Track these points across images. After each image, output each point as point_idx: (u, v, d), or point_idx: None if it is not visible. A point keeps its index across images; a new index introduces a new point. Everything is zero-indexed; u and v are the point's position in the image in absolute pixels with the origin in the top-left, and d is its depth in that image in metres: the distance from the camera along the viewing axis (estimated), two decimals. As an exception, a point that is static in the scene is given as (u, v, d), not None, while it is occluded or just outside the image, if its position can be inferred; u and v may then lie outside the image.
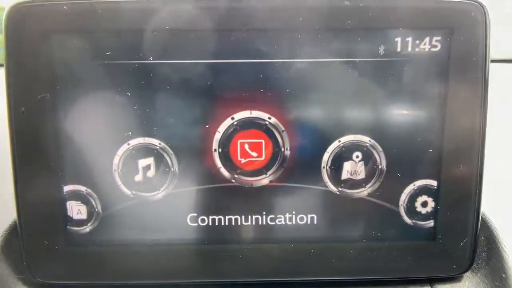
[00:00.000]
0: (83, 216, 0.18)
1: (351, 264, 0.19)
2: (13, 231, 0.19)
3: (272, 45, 0.17)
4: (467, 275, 0.19)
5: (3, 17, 0.17)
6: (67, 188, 0.18)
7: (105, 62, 0.17)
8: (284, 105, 0.17)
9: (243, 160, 0.18)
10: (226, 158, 0.18)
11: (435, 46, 0.17)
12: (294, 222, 0.18)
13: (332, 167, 0.18)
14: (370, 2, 0.16)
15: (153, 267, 0.19)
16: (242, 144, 0.18)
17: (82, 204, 0.18)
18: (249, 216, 0.18)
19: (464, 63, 0.17)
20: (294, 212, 0.18)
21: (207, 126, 0.18)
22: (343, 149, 0.18)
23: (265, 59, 0.17)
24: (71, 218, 0.18)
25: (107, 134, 0.18)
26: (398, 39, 0.17)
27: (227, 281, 0.19)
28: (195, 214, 0.18)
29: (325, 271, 0.19)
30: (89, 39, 0.17)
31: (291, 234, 0.18)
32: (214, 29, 0.16)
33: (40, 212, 0.18)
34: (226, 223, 0.18)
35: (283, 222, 0.18)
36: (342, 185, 0.18)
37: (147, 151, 0.18)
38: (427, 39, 0.17)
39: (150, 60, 0.17)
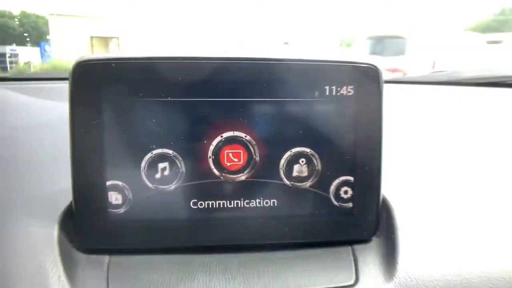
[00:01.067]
0: (119, 202, 0.27)
1: (298, 231, 0.28)
2: (68, 211, 0.28)
3: (246, 93, 0.26)
4: (374, 237, 0.29)
5: (70, 69, 0.25)
6: (108, 183, 0.27)
7: (140, 99, 0.26)
8: (254, 128, 0.27)
9: (228, 164, 0.27)
10: (217, 162, 0.27)
11: (350, 91, 0.27)
12: (262, 205, 0.28)
13: (287, 168, 0.28)
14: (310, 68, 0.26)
15: (166, 236, 0.27)
16: (228, 153, 0.27)
17: (118, 194, 0.27)
18: (232, 201, 0.28)
19: (367, 100, 0.27)
20: (262, 198, 0.28)
21: (205, 142, 0.27)
22: (293, 156, 0.28)
23: (243, 99, 0.26)
24: (111, 203, 0.27)
25: (138, 146, 0.26)
26: (327, 87, 0.27)
27: (216, 245, 0.28)
28: (196, 200, 0.27)
29: (280, 236, 0.28)
30: (129, 84, 0.25)
31: (260, 212, 0.28)
32: (211, 81, 0.26)
33: (89, 199, 0.27)
34: (216, 206, 0.28)
35: (254, 205, 0.28)
36: (293, 180, 0.28)
37: (164, 157, 0.27)
38: (344, 87, 0.27)
39: (171, 98, 0.26)
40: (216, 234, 0.28)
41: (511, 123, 0.48)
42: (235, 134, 0.27)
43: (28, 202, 0.29)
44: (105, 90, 0.25)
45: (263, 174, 0.28)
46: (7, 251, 0.25)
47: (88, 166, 0.26)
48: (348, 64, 0.27)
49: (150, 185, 0.27)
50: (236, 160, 0.27)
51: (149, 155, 0.26)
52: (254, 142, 0.27)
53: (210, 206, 0.28)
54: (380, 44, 5.97)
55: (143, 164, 0.27)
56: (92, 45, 20.37)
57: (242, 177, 0.27)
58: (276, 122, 0.27)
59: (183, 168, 0.27)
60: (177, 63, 0.26)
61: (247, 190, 0.28)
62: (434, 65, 4.03)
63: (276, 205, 0.28)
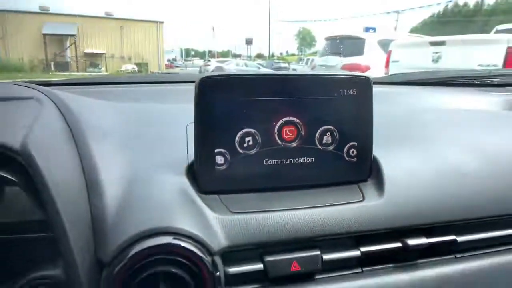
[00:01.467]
0: (223, 162, 0.44)
1: (325, 176, 0.47)
2: (190, 167, 0.44)
3: (296, 94, 0.45)
4: (369, 178, 0.49)
5: (196, 84, 0.42)
6: (216, 150, 0.44)
7: (237, 98, 0.43)
8: (301, 115, 0.45)
9: (286, 137, 0.46)
10: (279, 136, 0.45)
11: (354, 92, 0.47)
12: (304, 161, 0.47)
13: (319, 138, 0.47)
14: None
15: (251, 181, 0.45)
16: (286, 130, 0.46)
17: (222, 156, 0.44)
18: (288, 159, 0.46)
19: (364, 97, 0.47)
20: (305, 156, 0.47)
21: (273, 123, 0.45)
22: (323, 131, 0.47)
23: (295, 98, 0.45)
24: (217, 163, 0.44)
25: (234, 127, 0.44)
26: (341, 90, 0.46)
27: (277, 186, 0.46)
28: (267, 159, 0.46)
29: (314, 178, 0.47)
30: (230, 90, 0.43)
31: (303, 165, 0.47)
32: (278, 88, 0.44)
33: (204, 160, 0.44)
34: (279, 162, 0.46)
35: (300, 161, 0.46)
36: (323, 145, 0.47)
37: (249, 134, 0.44)
38: (351, 90, 0.47)
39: (254, 98, 0.44)
40: (279, 178, 0.46)
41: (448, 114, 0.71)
42: (290, 119, 0.45)
43: (166, 164, 0.45)
44: (216, 94, 0.43)
45: (305, 142, 0.46)
46: (156, 189, 0.41)
47: (205, 140, 0.43)
48: (353, 76, 0.47)
49: (240, 151, 0.45)
50: (290, 134, 0.46)
51: (240, 132, 0.44)
52: (301, 123, 0.46)
53: (275, 163, 0.46)
54: (338, 44, 6.33)
55: (236, 138, 0.44)
56: (45, 43, 19.30)
57: (294, 144, 0.46)
58: (313, 111, 0.46)
59: (259, 140, 0.45)
60: (260, 77, 0.44)
61: (296, 152, 0.46)
62: (388, 64, 4.40)
63: (313, 160, 0.47)
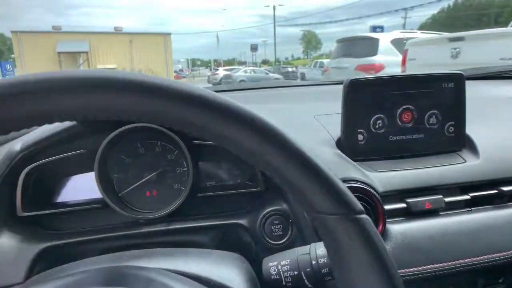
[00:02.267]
0: (362, 139, 0.62)
1: (435, 147, 0.64)
2: (337, 143, 0.62)
3: (413, 87, 0.62)
4: (463, 149, 0.66)
5: (345, 84, 0.60)
6: (358, 130, 0.61)
7: (378, 94, 0.61)
8: (416, 102, 0.63)
9: (404, 119, 0.63)
10: (400, 118, 0.63)
11: (452, 85, 0.64)
12: (417, 137, 0.64)
13: (427, 119, 0.64)
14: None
15: (382, 148, 0.62)
16: (405, 113, 0.63)
17: (361, 135, 0.62)
18: (405, 135, 0.63)
19: (459, 87, 0.64)
20: (418, 133, 0.64)
21: (397, 110, 0.62)
22: (431, 114, 0.64)
23: (413, 91, 0.62)
24: (358, 139, 0.62)
25: (371, 115, 0.61)
26: (443, 83, 0.63)
27: (400, 155, 0.64)
28: (391, 136, 0.63)
29: (424, 149, 0.64)
30: (376, 89, 0.61)
31: (416, 139, 0.64)
32: (402, 84, 0.62)
33: (350, 138, 0.61)
34: (399, 138, 0.63)
35: (415, 137, 0.64)
36: (429, 124, 0.64)
37: (379, 118, 0.62)
38: (449, 83, 0.64)
39: (386, 93, 0.61)
40: (400, 149, 0.63)
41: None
42: (407, 106, 0.63)
43: (319, 142, 0.63)
44: (358, 90, 0.60)
45: (417, 123, 0.63)
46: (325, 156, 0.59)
47: (350, 124, 0.61)
48: (450, 73, 0.64)
49: (373, 130, 0.62)
50: (407, 117, 0.63)
51: (373, 117, 0.62)
52: (415, 109, 0.63)
53: (397, 139, 0.63)
54: (351, 46, 6.47)
55: (371, 121, 0.62)
56: (60, 61, 19.95)
57: (410, 125, 0.63)
58: (423, 100, 0.63)
59: (386, 122, 0.62)
60: (387, 78, 0.61)
61: (411, 130, 0.63)
62: (405, 62, 4.53)
63: (423, 136, 0.64)
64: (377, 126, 0.62)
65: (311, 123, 0.68)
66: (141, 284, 0.30)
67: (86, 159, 0.59)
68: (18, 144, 0.55)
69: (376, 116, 0.62)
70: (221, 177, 0.66)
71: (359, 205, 0.24)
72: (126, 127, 0.58)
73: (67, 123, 0.56)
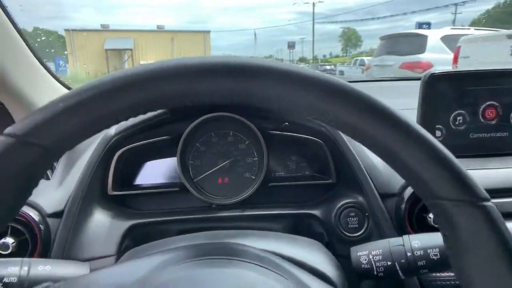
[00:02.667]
0: (440, 135, 0.60)
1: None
2: None
3: (495, 83, 0.59)
4: None
5: (423, 78, 0.58)
6: (436, 126, 0.60)
7: (459, 89, 0.59)
8: (500, 100, 0.60)
9: (488, 116, 0.60)
10: (483, 116, 0.60)
11: None
12: (501, 135, 0.61)
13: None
14: None
15: (461, 145, 0.60)
16: (487, 111, 0.60)
17: (439, 131, 0.60)
18: (487, 133, 0.60)
19: None
20: (501, 131, 0.61)
21: (479, 106, 0.60)
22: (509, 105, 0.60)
23: (495, 87, 0.59)
24: (436, 136, 0.60)
25: (450, 110, 0.59)
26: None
27: (481, 153, 0.61)
28: (473, 133, 0.60)
29: (507, 148, 0.61)
30: (457, 83, 0.59)
31: (500, 138, 0.61)
32: (487, 80, 0.59)
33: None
34: (481, 136, 0.60)
35: (498, 135, 0.61)
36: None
37: (460, 114, 0.60)
38: (539, 79, 0.60)
39: (468, 88, 0.59)
40: (481, 148, 0.61)
41: None
42: (491, 102, 0.60)
43: None
44: (438, 84, 0.58)
45: (502, 120, 0.60)
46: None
47: (427, 119, 0.59)
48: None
49: (453, 127, 0.60)
50: (491, 114, 0.60)
51: (454, 113, 0.59)
52: (502, 106, 0.60)
53: (478, 136, 0.60)
54: (395, 43, 6.22)
55: (451, 118, 0.59)
56: (107, 57, 21.08)
57: (493, 122, 0.60)
58: (508, 96, 0.60)
59: (468, 119, 0.60)
60: (468, 73, 0.59)
61: (495, 128, 0.60)
62: (457, 60, 4.29)
63: (507, 135, 0.61)
64: (457, 123, 0.60)
65: None
66: (255, 258, 0.31)
67: (168, 145, 0.62)
68: (112, 129, 0.59)
69: (457, 112, 0.60)
70: (291, 168, 0.67)
71: (484, 191, 0.23)
72: (209, 115, 0.60)
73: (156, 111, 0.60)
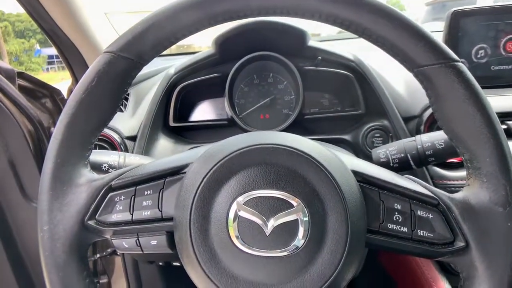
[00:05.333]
0: (462, 68, 0.65)
1: None
2: None
3: None
4: None
5: (448, 14, 0.63)
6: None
7: (483, 23, 0.64)
8: None
9: (508, 49, 0.64)
10: (504, 49, 0.64)
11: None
12: None
13: None
14: None
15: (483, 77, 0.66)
16: (509, 44, 0.64)
17: (461, 65, 0.65)
18: (509, 65, 0.65)
19: None
20: None
21: (500, 39, 0.64)
22: None
23: None
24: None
25: (473, 44, 0.64)
26: None
27: (502, 84, 0.66)
28: (494, 65, 0.65)
29: None
30: (480, 18, 0.63)
31: None
32: None
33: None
34: (502, 68, 0.65)
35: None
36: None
37: (482, 48, 0.64)
38: None
39: (496, 22, 0.63)
40: (501, 79, 0.65)
41: None
42: None
43: None
44: (461, 20, 0.63)
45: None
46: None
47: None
48: None
49: (475, 60, 0.65)
50: (513, 47, 0.64)
51: (476, 46, 0.64)
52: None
53: (500, 68, 0.65)
54: (443, 8, 5.83)
55: (473, 51, 0.65)
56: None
57: (515, 54, 0.64)
58: None
59: (489, 52, 0.64)
60: (490, 8, 0.63)
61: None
62: None
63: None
64: (479, 56, 0.65)
65: None
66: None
67: (217, 86, 0.74)
68: (172, 68, 0.71)
69: (479, 45, 0.64)
70: (324, 105, 0.76)
71: (454, 55, 0.31)
72: (252, 54, 0.71)
73: (207, 53, 0.71)
